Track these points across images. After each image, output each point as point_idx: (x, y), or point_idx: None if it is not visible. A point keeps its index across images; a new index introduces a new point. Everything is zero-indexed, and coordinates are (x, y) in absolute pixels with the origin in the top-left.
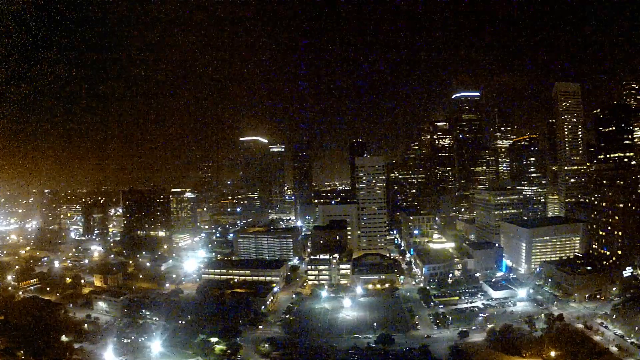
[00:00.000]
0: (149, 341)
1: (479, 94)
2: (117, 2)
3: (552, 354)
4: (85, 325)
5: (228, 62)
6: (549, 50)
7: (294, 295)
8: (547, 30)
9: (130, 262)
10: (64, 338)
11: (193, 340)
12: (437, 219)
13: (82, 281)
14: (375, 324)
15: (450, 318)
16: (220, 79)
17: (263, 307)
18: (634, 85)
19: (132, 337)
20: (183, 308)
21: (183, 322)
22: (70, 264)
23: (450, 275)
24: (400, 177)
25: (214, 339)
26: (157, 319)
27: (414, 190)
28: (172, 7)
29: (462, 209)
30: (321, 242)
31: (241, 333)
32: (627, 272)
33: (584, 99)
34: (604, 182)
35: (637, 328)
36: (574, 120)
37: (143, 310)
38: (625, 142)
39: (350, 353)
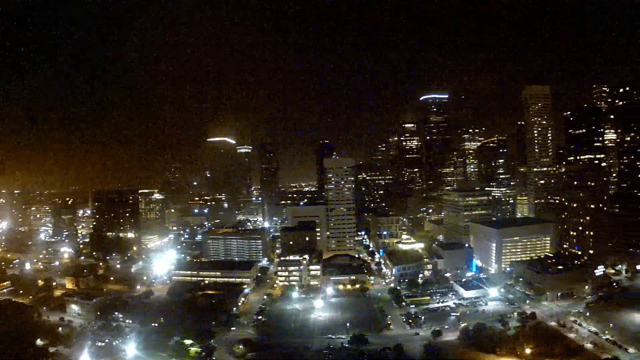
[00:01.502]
0: (124, 344)
1: (447, 96)
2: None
3: (528, 351)
4: (60, 328)
5: (194, 63)
6: (518, 53)
7: (265, 297)
8: (517, 33)
9: (101, 264)
10: (39, 342)
11: (167, 343)
12: (405, 220)
13: (54, 283)
14: (348, 325)
15: (422, 318)
16: (187, 79)
17: (235, 308)
18: (605, 88)
19: (107, 340)
20: (155, 310)
21: (156, 325)
22: (41, 266)
23: (421, 275)
24: (367, 178)
25: (188, 341)
26: (130, 321)
27: (382, 192)
28: (133, 6)
29: (430, 210)
30: (291, 243)
31: (215, 335)
32: (599, 271)
33: (553, 102)
34: (575, 183)
35: (611, 325)
36: (544, 122)
37: (116, 313)
38: (595, 144)
39: (324, 353)
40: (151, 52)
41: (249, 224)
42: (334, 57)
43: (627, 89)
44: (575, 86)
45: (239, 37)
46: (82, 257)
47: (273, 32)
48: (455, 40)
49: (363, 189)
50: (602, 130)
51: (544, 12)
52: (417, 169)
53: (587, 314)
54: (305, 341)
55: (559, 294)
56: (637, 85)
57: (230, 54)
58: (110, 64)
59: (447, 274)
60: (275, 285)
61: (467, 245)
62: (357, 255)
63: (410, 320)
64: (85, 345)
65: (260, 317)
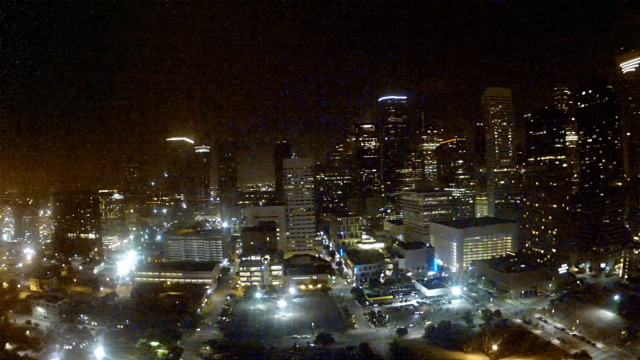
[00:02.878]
0: (91, 347)
1: (406, 97)
2: None
3: (495, 347)
4: (27, 332)
5: (155, 62)
6: (479, 55)
7: (228, 297)
8: (478, 35)
9: (63, 265)
10: (8, 346)
11: (134, 345)
12: (364, 220)
13: (19, 285)
14: (312, 324)
15: (387, 316)
16: (145, 79)
17: (199, 309)
18: (566, 91)
19: (74, 343)
20: (120, 312)
21: (121, 327)
22: (5, 268)
23: (382, 275)
24: (325, 178)
25: (154, 343)
26: (96, 323)
27: (340, 192)
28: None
29: (389, 210)
30: (252, 243)
31: (181, 336)
32: (563, 269)
33: (514, 104)
34: (537, 183)
35: (578, 321)
36: (504, 124)
37: (81, 315)
38: (556, 145)
39: (291, 353)
40: (108, 51)
41: (207, 224)
42: (291, 57)
43: (590, 91)
44: (534, 88)
45: (196, 38)
46: (45, 259)
47: (230, 32)
48: (414, 42)
49: (321, 189)
50: (563, 131)
51: (504, 15)
52: (375, 170)
53: (553, 311)
54: (271, 341)
55: (523, 292)
56: (600, 88)
57: (188, 54)
58: (67, 64)
59: (409, 273)
60: (237, 285)
61: (428, 244)
62: (317, 255)
63: (374, 319)
64: (54, 349)
65: (224, 318)
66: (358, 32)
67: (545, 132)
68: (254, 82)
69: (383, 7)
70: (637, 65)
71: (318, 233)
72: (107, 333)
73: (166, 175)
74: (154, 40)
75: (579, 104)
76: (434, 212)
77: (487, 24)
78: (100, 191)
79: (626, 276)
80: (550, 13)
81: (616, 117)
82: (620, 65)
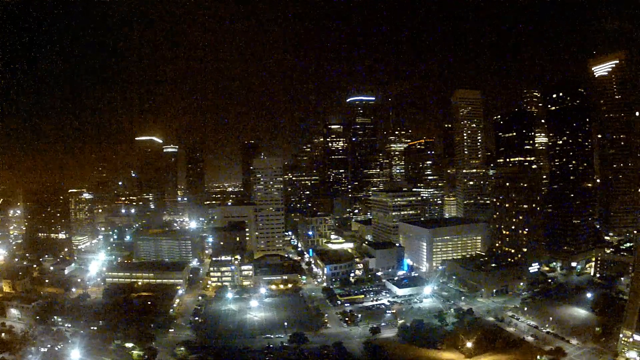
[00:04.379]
0: (66, 349)
1: (374, 98)
2: None
3: (469, 345)
4: (2, 334)
5: (121, 60)
6: (449, 57)
7: (199, 298)
8: (448, 37)
9: (35, 266)
10: None
11: (109, 347)
12: (332, 220)
13: None
14: (285, 324)
15: (359, 316)
16: (115, 77)
17: (171, 310)
18: (536, 94)
19: (49, 345)
20: (93, 313)
21: (95, 328)
22: None
23: (352, 274)
24: (293, 178)
25: (129, 344)
26: (70, 325)
27: (308, 192)
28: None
29: (356, 211)
30: (221, 243)
31: (155, 337)
32: (534, 268)
33: (483, 106)
34: (507, 184)
35: (551, 319)
36: (474, 125)
37: (55, 317)
38: (526, 147)
39: (265, 353)
40: (77, 48)
41: (175, 224)
42: (259, 57)
43: (561, 94)
44: (504, 91)
45: (165, 37)
46: (17, 259)
47: (200, 33)
48: (384, 43)
49: (289, 189)
50: (532, 133)
51: (474, 17)
52: (342, 170)
53: (525, 309)
54: (245, 342)
55: (494, 290)
56: (571, 91)
57: (157, 53)
58: (34, 62)
59: (379, 273)
60: (208, 286)
61: (398, 244)
62: (286, 255)
63: (346, 319)
64: (30, 352)
65: (197, 318)
66: (327, 32)
67: (514, 133)
68: (221, 82)
69: (353, 8)
70: (610, 70)
71: (286, 233)
72: (82, 334)
73: (134, 175)
74: (122, 39)
75: (549, 106)
76: (403, 212)
77: (457, 26)
78: (69, 190)
79: (598, 274)
80: (522, 17)
81: (587, 119)
82: (593, 69)
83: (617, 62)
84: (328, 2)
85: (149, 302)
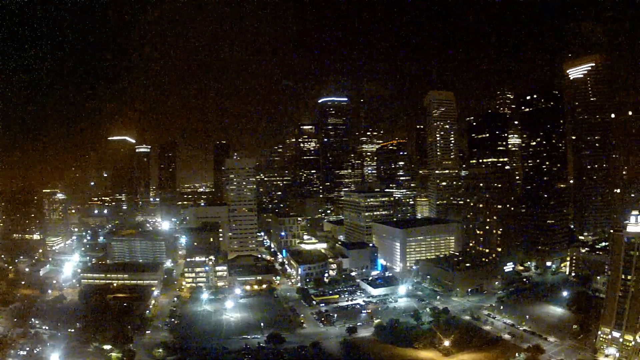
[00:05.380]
0: (45, 352)
1: (346, 99)
2: None
3: (446, 343)
4: None
5: (93, 59)
6: (421, 58)
7: (175, 299)
8: (422, 39)
9: (10, 267)
10: None
11: (87, 349)
12: (304, 221)
13: None
14: (262, 324)
15: (335, 315)
16: (87, 76)
17: (147, 311)
18: (509, 95)
19: (28, 348)
20: (70, 315)
21: (73, 331)
22: None
23: (326, 274)
24: (265, 179)
25: (107, 347)
26: (48, 327)
27: (280, 193)
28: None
29: (328, 211)
30: (195, 244)
31: (132, 339)
32: (509, 267)
33: (457, 107)
34: (481, 184)
35: (527, 317)
36: (447, 126)
37: (33, 319)
38: (499, 148)
39: (243, 354)
40: (48, 47)
41: (148, 225)
42: (231, 57)
43: (535, 96)
44: (477, 92)
45: (135, 36)
46: None
47: (169, 32)
48: (357, 44)
49: (261, 189)
50: (505, 134)
51: (447, 19)
52: (314, 171)
53: (501, 307)
54: (222, 342)
55: (469, 290)
56: (546, 92)
57: (128, 51)
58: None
59: (353, 273)
60: (182, 286)
61: (371, 244)
62: (260, 256)
63: (322, 319)
64: (9, 355)
65: (173, 320)
66: (298, 33)
67: (488, 134)
68: (193, 81)
69: (325, 8)
70: (586, 72)
71: (259, 234)
72: (60, 337)
73: (105, 175)
74: (94, 38)
75: (523, 108)
76: (375, 213)
77: (430, 28)
78: (44, 191)
79: (573, 273)
80: (496, 19)
81: (561, 121)
82: (568, 71)
83: (593, 64)
84: (299, 2)
85: (125, 304)
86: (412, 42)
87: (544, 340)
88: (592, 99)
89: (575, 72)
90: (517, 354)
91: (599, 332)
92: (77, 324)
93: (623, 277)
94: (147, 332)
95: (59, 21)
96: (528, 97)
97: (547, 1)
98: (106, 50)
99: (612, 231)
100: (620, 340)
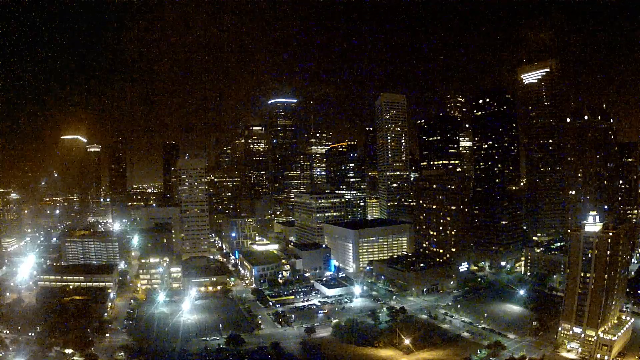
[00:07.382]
0: (7, 357)
1: (295, 100)
2: None
3: (407, 342)
4: None
5: (48, 57)
6: (372, 61)
7: (131, 301)
8: (374, 41)
9: None
10: None
11: (49, 354)
12: (254, 222)
13: None
14: (220, 326)
15: (292, 316)
16: (41, 73)
17: (105, 314)
18: (460, 99)
19: None
20: (29, 319)
21: (33, 335)
22: None
23: (280, 275)
24: (215, 180)
25: (68, 350)
26: (7, 331)
27: (230, 193)
28: None
29: (278, 212)
30: (149, 245)
31: (93, 342)
32: (463, 267)
33: (408, 110)
34: (434, 186)
35: (485, 315)
36: (398, 129)
37: None
38: (450, 150)
39: (203, 356)
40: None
41: (99, 225)
42: (180, 56)
43: (487, 100)
44: (428, 95)
45: (84, 35)
46: None
47: (119, 32)
48: (307, 45)
49: (211, 190)
50: (456, 137)
51: (401, 21)
52: (263, 172)
53: (458, 306)
54: (181, 344)
55: (424, 289)
56: (498, 97)
57: (77, 51)
58: None
59: (307, 274)
60: (138, 288)
61: (323, 245)
62: (213, 257)
63: (280, 319)
64: None
65: (131, 322)
66: (249, 34)
67: (439, 137)
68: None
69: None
70: (540, 77)
71: (211, 235)
72: (21, 341)
73: (55, 175)
74: (46, 36)
75: (475, 111)
76: (327, 214)
77: (382, 31)
78: None
79: (529, 272)
80: (450, 23)
81: (514, 124)
82: (522, 76)
83: (547, 70)
84: (250, 2)
85: (83, 307)
86: (364, 44)
87: (504, 337)
88: (545, 103)
89: (530, 77)
90: (478, 351)
91: (560, 329)
92: (37, 327)
93: (582, 274)
94: (106, 335)
95: (7, 18)
96: (480, 101)
97: (501, 6)
98: (59, 48)
99: (569, 231)
100: (582, 335)
